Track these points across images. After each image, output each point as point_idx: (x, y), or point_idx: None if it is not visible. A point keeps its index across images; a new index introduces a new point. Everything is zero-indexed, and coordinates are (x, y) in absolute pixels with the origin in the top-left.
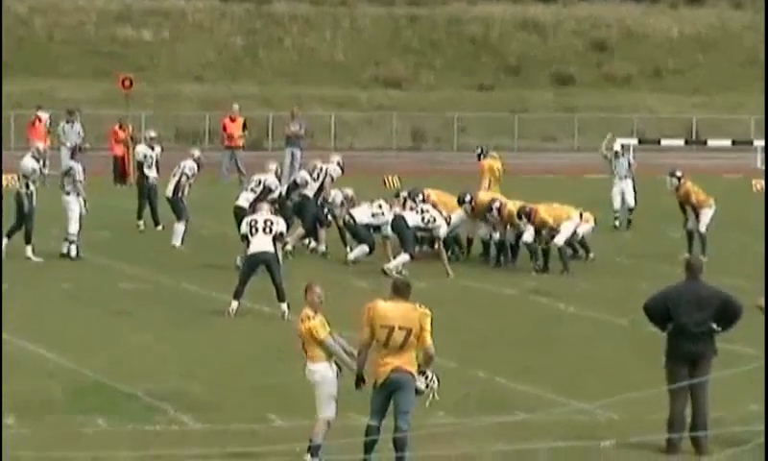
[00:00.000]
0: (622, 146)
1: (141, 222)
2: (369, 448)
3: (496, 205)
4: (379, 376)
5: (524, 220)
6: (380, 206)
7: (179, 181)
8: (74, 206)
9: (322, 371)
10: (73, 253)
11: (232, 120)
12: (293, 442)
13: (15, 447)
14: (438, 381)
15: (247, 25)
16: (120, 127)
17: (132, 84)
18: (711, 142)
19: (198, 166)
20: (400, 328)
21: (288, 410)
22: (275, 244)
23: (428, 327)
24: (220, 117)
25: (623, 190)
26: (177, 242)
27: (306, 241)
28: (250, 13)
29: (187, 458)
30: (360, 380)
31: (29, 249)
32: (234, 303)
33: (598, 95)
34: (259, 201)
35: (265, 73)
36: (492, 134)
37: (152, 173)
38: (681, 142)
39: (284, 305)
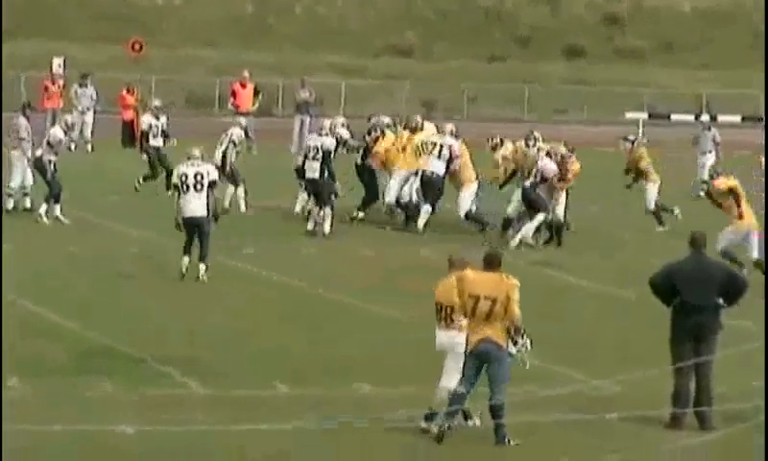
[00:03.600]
0: (707, 121)
1: (138, 183)
2: (451, 413)
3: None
4: (469, 345)
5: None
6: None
7: (226, 150)
8: (18, 161)
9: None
10: (9, 206)
11: (243, 86)
12: (298, 409)
13: (19, 409)
14: (530, 346)
15: None
16: (128, 91)
17: (141, 47)
18: (722, 118)
19: (245, 134)
20: (486, 298)
21: (294, 378)
22: (208, 200)
23: (515, 297)
24: (231, 83)
25: (704, 164)
26: (242, 208)
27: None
28: None
29: (193, 423)
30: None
31: (43, 207)
32: (185, 259)
33: (609, 68)
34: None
35: (276, 40)
36: (503, 106)
37: (157, 142)
38: (691, 117)
39: (203, 266)
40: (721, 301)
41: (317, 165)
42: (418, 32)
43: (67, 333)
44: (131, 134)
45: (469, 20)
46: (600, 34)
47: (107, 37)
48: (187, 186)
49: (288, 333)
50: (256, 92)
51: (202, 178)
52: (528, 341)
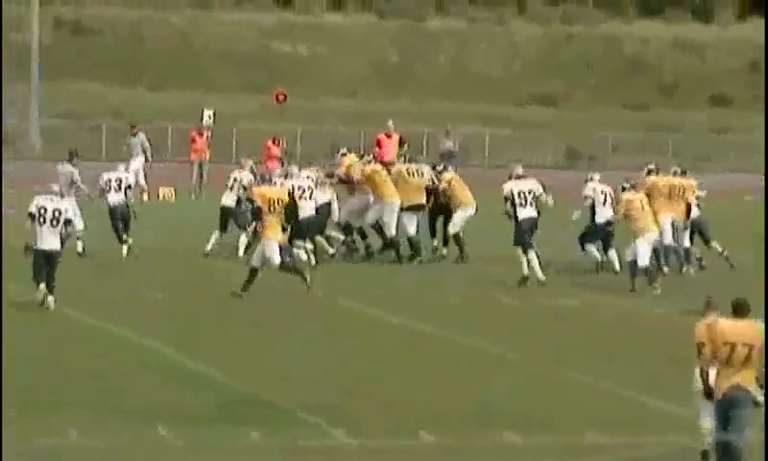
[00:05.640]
0: None
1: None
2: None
3: None
4: (719, 391)
5: None
6: None
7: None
8: (73, 208)
9: None
10: (79, 248)
11: (388, 136)
12: (446, 459)
13: (166, 457)
14: None
15: (402, 41)
16: (274, 141)
17: (285, 98)
18: None
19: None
20: (743, 345)
21: (437, 427)
22: (61, 237)
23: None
24: (374, 133)
25: None
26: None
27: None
28: (405, 29)
29: None
30: (709, 394)
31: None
32: (42, 286)
33: (754, 116)
34: None
35: (419, 89)
36: (646, 154)
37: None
38: None
39: (52, 298)
40: None
41: (311, 204)
42: (561, 80)
43: (212, 381)
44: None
45: (613, 68)
46: (745, 81)
47: (251, 88)
48: (44, 219)
49: (426, 380)
50: (401, 142)
51: (59, 213)
52: None
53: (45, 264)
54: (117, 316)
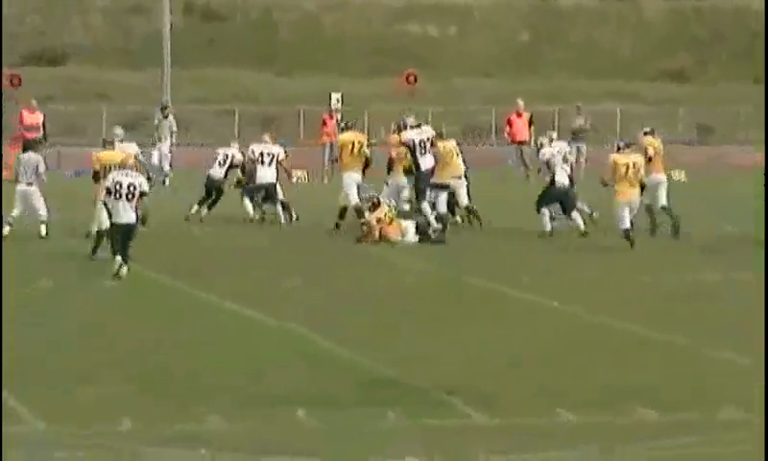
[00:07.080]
0: None
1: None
2: None
3: None
4: None
5: None
6: None
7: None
8: (37, 195)
9: None
10: (43, 232)
11: (518, 115)
12: (584, 437)
13: (307, 441)
14: None
15: (532, 20)
16: None
17: (416, 80)
18: None
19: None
20: None
21: (576, 405)
22: (137, 209)
23: None
24: (505, 112)
25: None
26: None
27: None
28: (535, 8)
29: (478, 453)
30: None
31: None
32: (123, 269)
33: None
34: None
35: (550, 67)
36: None
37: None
38: None
39: (126, 268)
40: None
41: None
42: (692, 55)
43: (352, 365)
44: None
45: (744, 42)
46: None
47: (381, 70)
48: (120, 195)
49: (566, 360)
50: (531, 122)
51: (134, 188)
52: None
53: (121, 237)
54: (254, 300)
